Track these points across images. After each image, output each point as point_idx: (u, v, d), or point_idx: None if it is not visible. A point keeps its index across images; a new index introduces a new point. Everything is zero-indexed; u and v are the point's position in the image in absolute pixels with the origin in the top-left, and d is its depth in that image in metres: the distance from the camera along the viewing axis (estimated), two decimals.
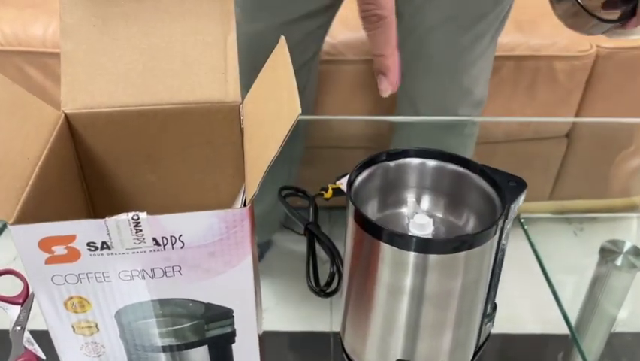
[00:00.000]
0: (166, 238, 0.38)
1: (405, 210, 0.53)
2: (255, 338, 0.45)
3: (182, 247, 0.39)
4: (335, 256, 0.63)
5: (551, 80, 1.28)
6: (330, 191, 0.74)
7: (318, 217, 0.71)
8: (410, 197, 0.53)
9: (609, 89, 1.28)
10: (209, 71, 0.49)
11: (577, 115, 1.30)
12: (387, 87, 0.49)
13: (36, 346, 0.58)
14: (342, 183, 0.74)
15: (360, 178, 0.50)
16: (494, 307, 0.56)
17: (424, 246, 0.44)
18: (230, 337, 0.44)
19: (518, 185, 0.48)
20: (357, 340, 0.53)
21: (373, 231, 0.45)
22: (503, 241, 0.49)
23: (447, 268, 0.45)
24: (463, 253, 0.44)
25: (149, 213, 0.54)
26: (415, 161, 0.52)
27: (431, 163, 0.52)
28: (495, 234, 0.45)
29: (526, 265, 0.82)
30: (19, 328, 0.59)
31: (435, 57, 0.95)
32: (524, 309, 0.87)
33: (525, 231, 0.88)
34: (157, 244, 0.38)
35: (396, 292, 0.47)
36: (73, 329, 0.42)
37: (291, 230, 0.83)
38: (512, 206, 0.47)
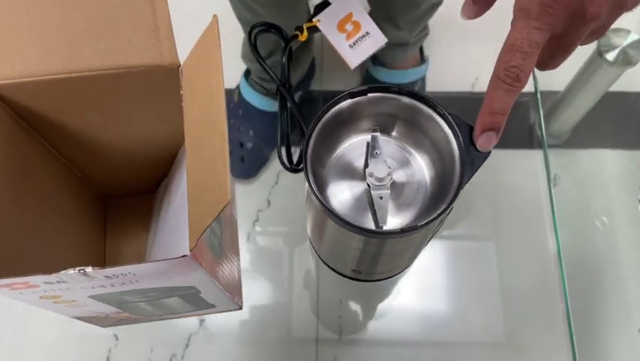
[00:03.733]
0: (116, 275, 0.40)
1: (366, 138, 0.50)
2: (219, 290, 0.49)
3: (134, 275, 0.40)
4: (305, 132, 0.61)
5: None
6: (305, 32, 0.66)
7: (289, 72, 0.65)
8: (372, 129, 0.50)
9: None
10: (139, 28, 0.42)
11: None
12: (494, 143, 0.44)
13: None
14: (320, 20, 0.66)
15: (317, 130, 0.47)
16: None
17: (376, 235, 0.45)
18: (197, 293, 0.49)
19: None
20: (318, 246, 0.58)
21: (328, 213, 0.45)
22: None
23: (401, 241, 0.47)
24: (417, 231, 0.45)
25: (107, 145, 0.53)
26: (376, 95, 0.48)
27: (394, 98, 0.47)
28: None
29: None
30: None
31: None
32: None
33: None
34: (108, 278, 0.40)
35: (349, 248, 0.49)
36: (54, 302, 0.47)
37: (262, 88, 0.78)
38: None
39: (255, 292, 0.64)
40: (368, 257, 0.50)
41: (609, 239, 0.67)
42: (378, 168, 0.47)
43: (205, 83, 0.38)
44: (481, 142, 0.43)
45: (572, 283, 0.63)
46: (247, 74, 0.85)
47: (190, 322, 0.64)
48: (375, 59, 0.87)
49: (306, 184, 0.46)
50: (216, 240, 0.49)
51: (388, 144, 0.50)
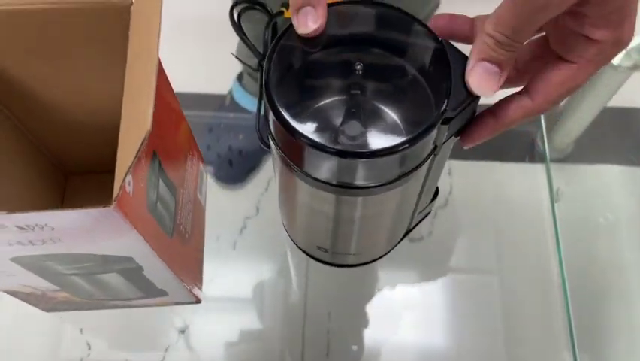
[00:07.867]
0: (31, 226, 0.34)
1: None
2: (166, 270, 0.44)
3: (52, 229, 0.35)
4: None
5: None
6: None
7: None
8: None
9: None
10: None
11: None
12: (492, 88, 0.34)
13: None
14: None
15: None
16: (436, 193, 0.52)
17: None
18: (138, 269, 0.43)
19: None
20: (287, 221, 0.52)
21: (290, 163, 0.38)
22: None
23: (373, 202, 0.41)
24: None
25: (61, 105, 0.48)
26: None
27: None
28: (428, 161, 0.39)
29: None
30: None
31: None
32: None
33: None
34: (22, 229, 0.35)
35: (318, 214, 0.44)
36: None
37: (242, 63, 0.74)
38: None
39: (240, 299, 0.60)
40: (340, 227, 0.44)
41: (614, 257, 0.61)
42: (350, 127, 0.40)
43: (145, 20, 0.34)
44: (475, 79, 0.32)
45: (575, 302, 0.58)
46: (240, 78, 0.82)
47: (168, 333, 0.59)
48: None
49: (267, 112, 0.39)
50: (166, 212, 0.43)
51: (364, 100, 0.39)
